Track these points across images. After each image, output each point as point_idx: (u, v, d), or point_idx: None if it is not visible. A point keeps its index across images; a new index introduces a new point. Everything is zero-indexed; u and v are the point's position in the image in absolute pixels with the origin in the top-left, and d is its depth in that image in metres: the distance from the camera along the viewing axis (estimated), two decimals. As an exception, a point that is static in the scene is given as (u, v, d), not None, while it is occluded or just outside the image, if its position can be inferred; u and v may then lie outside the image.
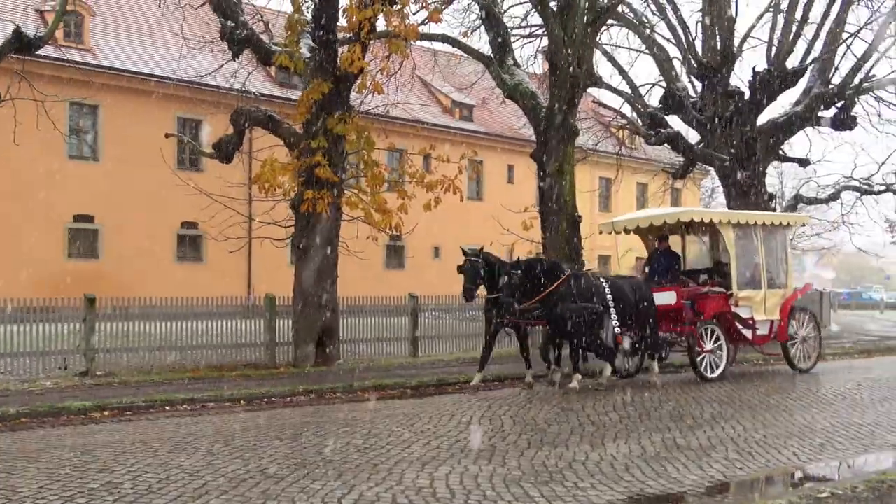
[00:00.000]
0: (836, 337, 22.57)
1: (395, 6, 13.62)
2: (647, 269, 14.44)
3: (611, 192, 37.28)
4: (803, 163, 24.89)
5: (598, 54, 21.40)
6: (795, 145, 50.28)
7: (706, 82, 21.66)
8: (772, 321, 14.04)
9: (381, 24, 14.57)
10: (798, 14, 21.51)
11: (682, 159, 24.04)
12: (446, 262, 29.34)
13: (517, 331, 12.71)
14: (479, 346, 13.87)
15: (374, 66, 14.58)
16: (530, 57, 23.48)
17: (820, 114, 22.33)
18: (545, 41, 20.62)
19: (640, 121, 24.07)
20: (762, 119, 22.10)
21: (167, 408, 10.45)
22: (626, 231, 14.66)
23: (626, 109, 25.23)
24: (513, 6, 22.23)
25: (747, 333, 13.77)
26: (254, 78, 21.04)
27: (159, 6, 17.02)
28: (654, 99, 23.98)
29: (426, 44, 21.21)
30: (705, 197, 51.72)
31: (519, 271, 11.67)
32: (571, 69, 16.31)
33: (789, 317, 14.15)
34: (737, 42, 22.10)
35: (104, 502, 5.89)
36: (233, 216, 17.14)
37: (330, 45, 14.48)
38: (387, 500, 5.94)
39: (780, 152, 23.74)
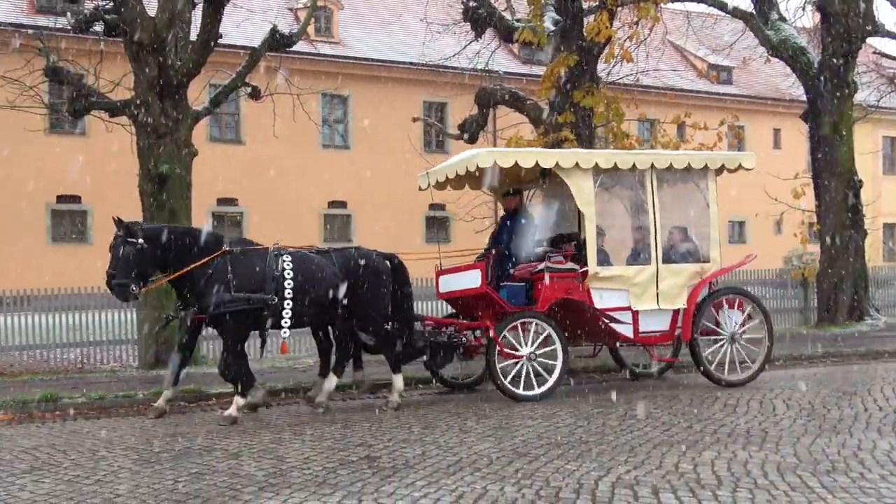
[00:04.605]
0: None
1: (643, -32, 13.03)
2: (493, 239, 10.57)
3: (898, 153, 33.84)
4: None
5: (878, -1, 19.41)
6: None
7: None
8: (675, 311, 9.66)
9: (628, -11, 14.04)
10: None
11: None
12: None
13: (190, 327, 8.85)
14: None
15: (621, 33, 14.13)
16: (798, 9, 21.80)
17: None
18: (814, -10, 18.99)
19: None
20: None
21: (420, 385, 10.57)
22: (440, 184, 10.42)
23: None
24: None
25: (624, 330, 9.44)
26: (497, 57, 21.02)
27: (403, -7, 17.44)
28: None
29: (678, 6, 20.27)
30: None
31: (141, 241, 8.25)
32: (847, 18, 14.97)
33: (702, 304, 9.70)
34: None
35: (364, 474, 5.96)
36: (479, 196, 17.21)
37: (575, 16, 14.14)
38: (646, 485, 5.51)
39: None
